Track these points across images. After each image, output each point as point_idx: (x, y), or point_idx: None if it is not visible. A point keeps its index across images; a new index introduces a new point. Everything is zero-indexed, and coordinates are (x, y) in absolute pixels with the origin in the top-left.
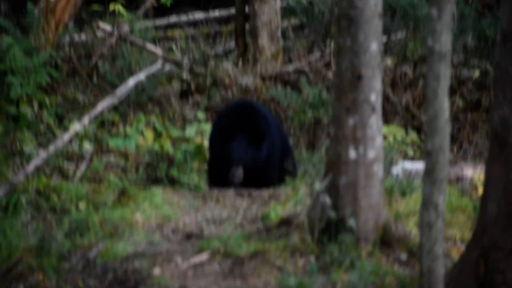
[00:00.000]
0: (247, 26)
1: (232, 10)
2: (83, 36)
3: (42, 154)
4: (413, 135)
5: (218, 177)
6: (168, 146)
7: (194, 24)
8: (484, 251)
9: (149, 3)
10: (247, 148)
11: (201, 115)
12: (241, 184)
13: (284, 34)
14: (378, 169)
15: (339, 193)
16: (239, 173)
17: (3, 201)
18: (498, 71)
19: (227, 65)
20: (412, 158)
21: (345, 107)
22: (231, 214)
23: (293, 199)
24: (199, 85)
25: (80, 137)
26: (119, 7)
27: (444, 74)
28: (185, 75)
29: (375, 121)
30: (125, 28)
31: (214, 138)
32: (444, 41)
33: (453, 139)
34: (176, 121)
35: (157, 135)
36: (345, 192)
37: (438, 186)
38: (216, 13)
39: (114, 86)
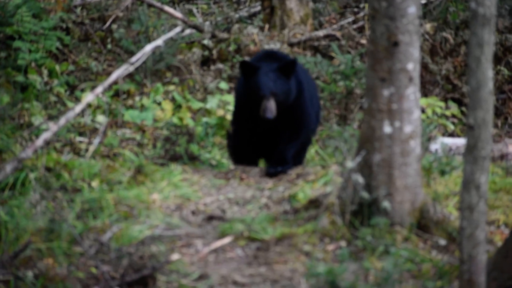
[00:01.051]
0: None
1: None
2: None
3: (52, 127)
4: (453, 108)
5: (245, 137)
6: (188, 119)
7: None
8: None
9: None
10: (276, 79)
11: (223, 85)
12: (273, 121)
13: None
14: (415, 145)
15: (372, 172)
16: (270, 105)
17: (10, 178)
18: None
19: (252, 30)
20: (452, 134)
21: (380, 76)
22: (256, 195)
23: (322, 178)
24: (222, 52)
25: (93, 108)
26: None
27: (488, 40)
28: (207, 40)
29: (412, 92)
30: None
31: (238, 92)
32: (489, 3)
33: (497, 112)
34: (197, 92)
35: (176, 106)
36: (379, 170)
37: (480, 164)
38: None
39: (129, 53)
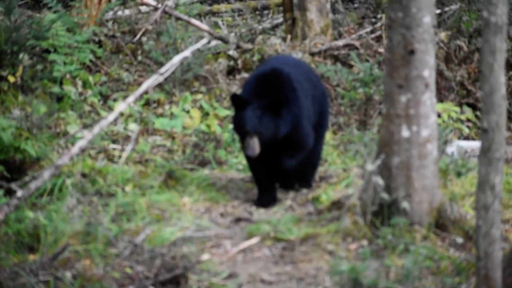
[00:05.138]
0: None
1: None
2: (127, 12)
3: (87, 135)
4: (468, 113)
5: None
6: (215, 126)
7: None
8: None
9: None
10: (262, 116)
11: None
12: (260, 157)
13: (333, 7)
14: (432, 148)
15: (391, 174)
16: (253, 143)
17: (48, 184)
18: None
19: (275, 41)
20: (467, 137)
21: (397, 83)
22: (281, 197)
23: (344, 181)
24: (246, 61)
25: (125, 117)
26: None
27: (501, 47)
28: (232, 51)
29: (428, 98)
30: (170, 2)
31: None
32: (501, 12)
33: (510, 116)
34: (223, 100)
35: (204, 114)
36: (398, 173)
37: (494, 166)
38: None
39: (159, 64)
